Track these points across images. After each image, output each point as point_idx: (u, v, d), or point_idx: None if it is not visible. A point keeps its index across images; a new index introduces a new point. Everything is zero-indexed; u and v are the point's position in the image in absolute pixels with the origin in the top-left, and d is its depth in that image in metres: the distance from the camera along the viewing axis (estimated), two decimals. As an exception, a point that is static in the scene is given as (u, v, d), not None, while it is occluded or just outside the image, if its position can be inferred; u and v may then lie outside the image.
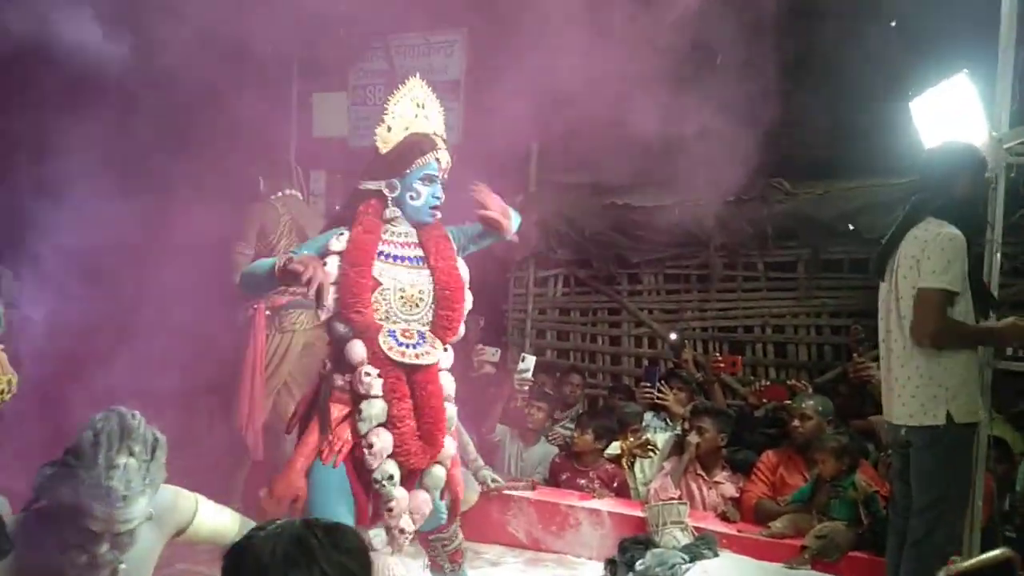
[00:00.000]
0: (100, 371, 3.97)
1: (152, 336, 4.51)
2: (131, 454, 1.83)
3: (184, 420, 4.98)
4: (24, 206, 4.97)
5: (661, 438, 4.26)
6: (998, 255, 3.20)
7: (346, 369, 2.63)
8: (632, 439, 4.19)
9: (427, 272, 2.72)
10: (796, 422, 3.94)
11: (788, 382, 4.65)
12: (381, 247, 2.70)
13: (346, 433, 2.61)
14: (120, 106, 4.92)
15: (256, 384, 4.17)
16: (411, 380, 2.65)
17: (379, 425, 2.59)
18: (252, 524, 2.37)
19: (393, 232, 2.74)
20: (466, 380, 5.00)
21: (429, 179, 2.72)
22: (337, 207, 3.17)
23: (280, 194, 4.42)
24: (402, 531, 2.65)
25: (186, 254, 4.46)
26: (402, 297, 2.67)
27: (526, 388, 4.51)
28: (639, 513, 3.92)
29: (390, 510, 2.61)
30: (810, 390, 4.29)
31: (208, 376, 4.45)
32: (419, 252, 2.75)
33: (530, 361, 4.52)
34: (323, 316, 2.65)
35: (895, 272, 3.03)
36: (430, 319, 2.71)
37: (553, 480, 4.48)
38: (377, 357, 2.62)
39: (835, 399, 4.44)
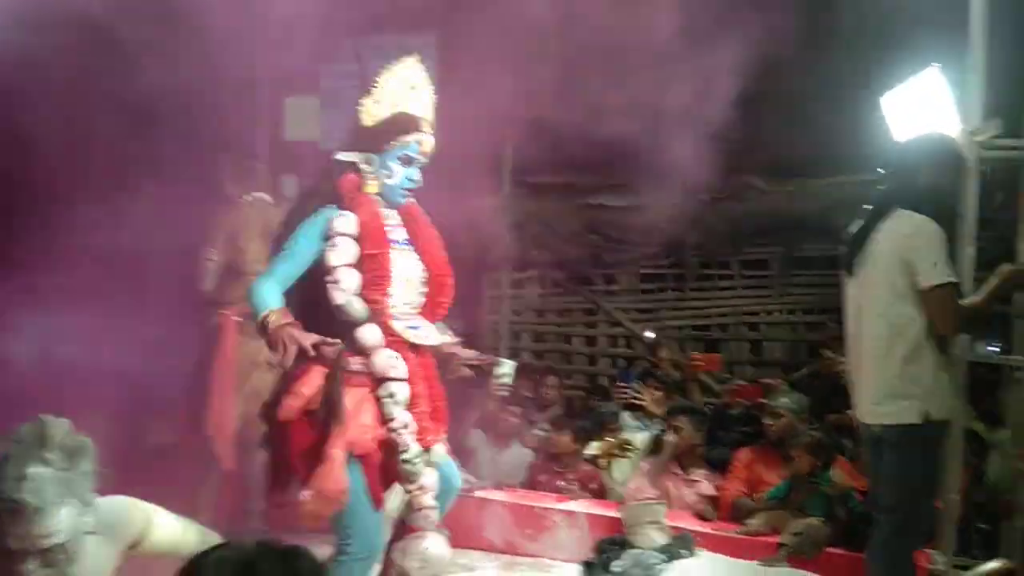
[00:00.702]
0: (61, 380, 3.89)
1: (117, 343, 4.42)
2: (44, 463, 1.72)
3: (151, 430, 4.91)
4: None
5: (638, 438, 4.24)
6: (971, 249, 3.19)
7: (359, 352, 2.53)
8: (609, 439, 4.16)
9: (415, 255, 2.67)
10: (768, 420, 3.94)
11: (763, 380, 4.65)
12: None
13: (367, 418, 2.53)
14: (84, 109, 4.84)
15: (225, 392, 4.09)
16: (420, 362, 2.63)
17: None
18: (214, 536, 2.31)
19: (382, 213, 2.64)
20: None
21: (407, 160, 2.63)
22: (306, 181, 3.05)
23: (249, 197, 4.34)
24: (432, 508, 2.62)
25: (152, 259, 4.38)
26: (402, 280, 2.61)
27: (504, 394, 4.46)
28: (615, 514, 3.89)
29: (421, 488, 2.57)
30: (785, 387, 4.29)
31: (175, 384, 4.37)
32: (404, 234, 2.67)
33: (508, 366, 4.45)
34: (339, 300, 2.51)
35: (867, 267, 2.98)
36: (420, 302, 2.67)
37: (532, 482, 4.44)
38: (393, 341, 2.55)
39: (810, 395, 4.45)
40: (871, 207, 3.03)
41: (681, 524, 3.75)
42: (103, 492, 1.97)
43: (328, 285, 2.50)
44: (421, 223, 2.72)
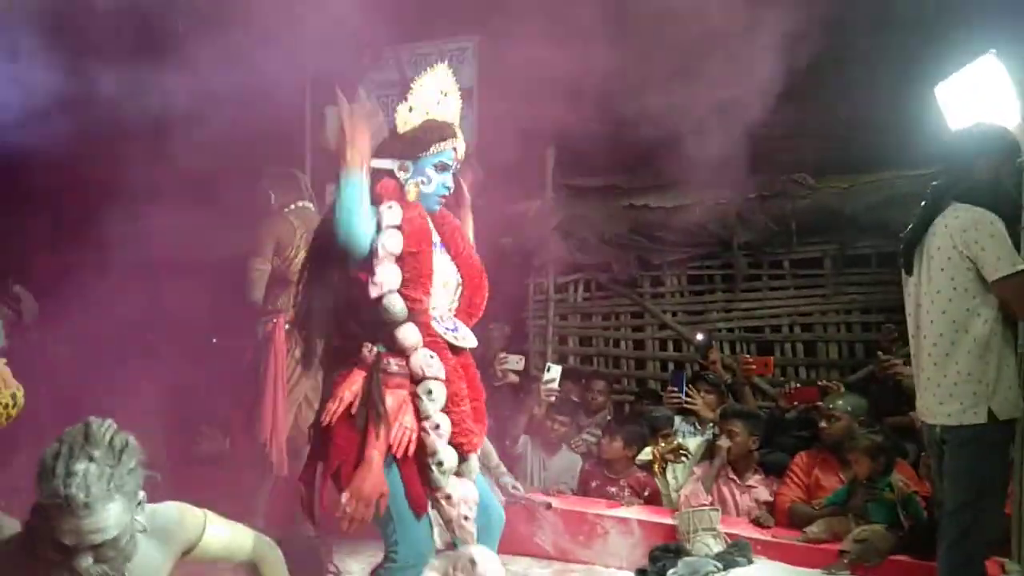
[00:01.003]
0: (117, 390, 3.95)
1: (170, 354, 4.49)
2: (91, 460, 1.75)
3: (203, 437, 4.97)
4: (38, 224, 4.98)
5: (692, 443, 4.15)
6: (1033, 239, 3.06)
7: (398, 353, 2.50)
8: (664, 444, 4.08)
9: (448, 258, 2.65)
10: (824, 423, 3.81)
11: (819, 382, 4.52)
12: None
13: (408, 419, 2.49)
14: (128, 124, 4.92)
15: (279, 398, 4.12)
16: (459, 362, 2.60)
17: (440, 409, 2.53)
18: (268, 540, 2.31)
19: None
20: (488, 390, 4.94)
21: (443, 167, 2.63)
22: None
23: (293, 206, 4.37)
24: (467, 518, 2.53)
25: (201, 271, 4.43)
26: (441, 283, 2.59)
27: (552, 399, 4.41)
28: (669, 521, 3.82)
29: (448, 497, 2.50)
30: (842, 390, 4.16)
31: (228, 392, 4.41)
32: (439, 238, 2.65)
33: (556, 371, 4.40)
34: (375, 294, 2.47)
35: (924, 265, 2.89)
36: (455, 305, 2.66)
37: (583, 488, 4.38)
38: (433, 341, 2.52)
39: (868, 398, 4.31)
40: (924, 205, 2.94)
41: (737, 531, 3.66)
42: (156, 499, 1.98)
43: (368, 280, 2.47)
44: (453, 227, 2.71)
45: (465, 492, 2.54)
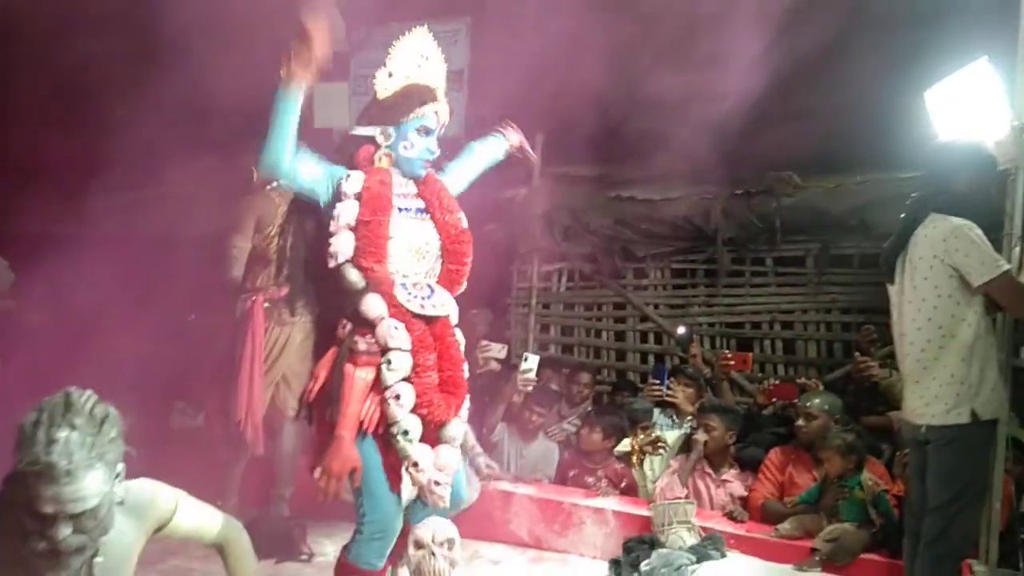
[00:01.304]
0: (92, 362, 3.89)
1: (146, 330, 4.43)
2: (72, 427, 1.74)
3: (180, 414, 4.92)
4: (19, 195, 4.90)
5: (670, 436, 4.16)
6: (1017, 248, 3.09)
7: (366, 329, 2.50)
8: (643, 436, 4.10)
9: (431, 224, 2.62)
10: (801, 421, 3.84)
11: (797, 380, 4.55)
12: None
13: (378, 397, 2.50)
14: (114, 101, 4.84)
15: (255, 378, 4.08)
16: (431, 331, 2.56)
17: (403, 379, 2.50)
18: (236, 524, 2.29)
19: (395, 182, 2.61)
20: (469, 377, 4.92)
21: (425, 131, 2.60)
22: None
23: (275, 184, 4.30)
24: (437, 483, 2.53)
25: (181, 247, 4.37)
26: (411, 249, 2.57)
27: (529, 388, 4.40)
28: (645, 512, 3.83)
29: (415, 465, 2.50)
30: (820, 388, 4.19)
31: (205, 370, 4.37)
32: (420, 203, 2.63)
33: (533, 361, 4.39)
34: (333, 263, 2.49)
35: (906, 274, 2.95)
36: (437, 271, 2.62)
37: (560, 478, 4.38)
38: (397, 311, 2.50)
39: (845, 397, 4.34)
40: (905, 215, 3.01)
41: (711, 525, 3.68)
42: (130, 475, 1.96)
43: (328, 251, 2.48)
44: (438, 191, 2.66)
45: (439, 459, 2.54)
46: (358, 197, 2.50)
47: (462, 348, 2.65)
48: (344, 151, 2.64)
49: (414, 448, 2.50)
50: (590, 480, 4.22)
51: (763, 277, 5.52)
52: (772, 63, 4.79)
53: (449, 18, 5.93)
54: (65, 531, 1.74)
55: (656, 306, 5.77)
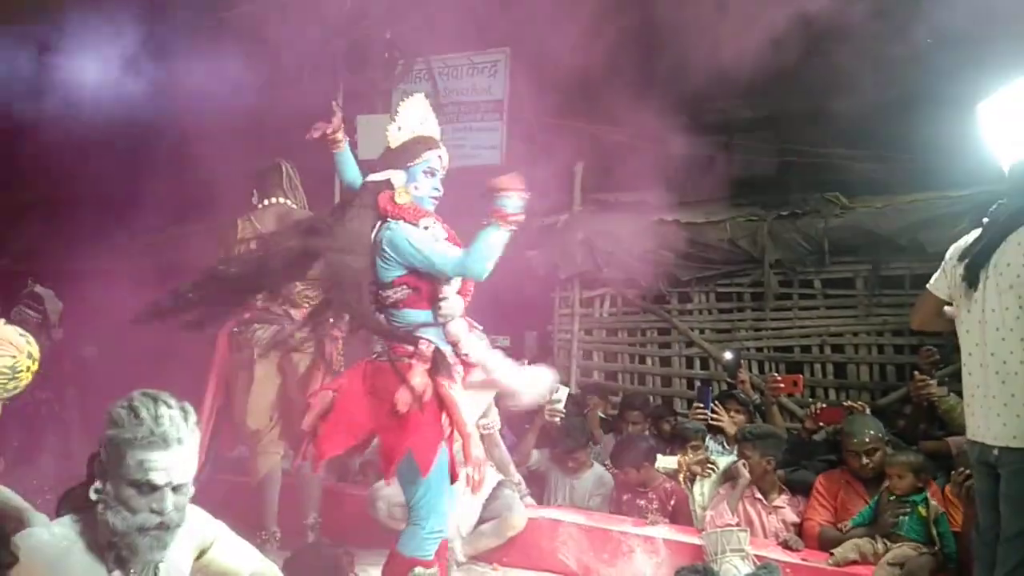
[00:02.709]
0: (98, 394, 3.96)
1: (191, 355, 4.49)
2: (168, 406, 1.88)
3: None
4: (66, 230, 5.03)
5: (721, 461, 4.07)
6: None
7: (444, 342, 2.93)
8: (691, 454, 4.02)
9: None
10: (864, 459, 3.64)
11: (845, 403, 4.42)
12: None
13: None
14: (162, 134, 4.97)
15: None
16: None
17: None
18: (270, 564, 2.28)
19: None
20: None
21: (431, 172, 3.02)
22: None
23: (267, 202, 4.25)
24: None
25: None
26: None
27: (557, 419, 4.37)
28: (696, 540, 3.74)
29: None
30: (867, 411, 4.05)
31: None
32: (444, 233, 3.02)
33: (563, 392, 4.37)
34: (448, 311, 2.96)
35: (992, 281, 2.76)
36: None
37: (615, 504, 4.28)
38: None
39: (899, 421, 4.20)
40: (991, 223, 2.85)
41: (766, 553, 3.57)
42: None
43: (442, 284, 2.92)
44: (449, 232, 3.04)
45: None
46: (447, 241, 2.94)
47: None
48: (363, 200, 2.99)
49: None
50: (641, 503, 4.14)
51: (812, 300, 5.42)
52: (817, 83, 4.76)
53: (489, 49, 6.01)
54: (171, 502, 1.85)
55: (702, 331, 5.69)
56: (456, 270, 2.86)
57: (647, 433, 4.72)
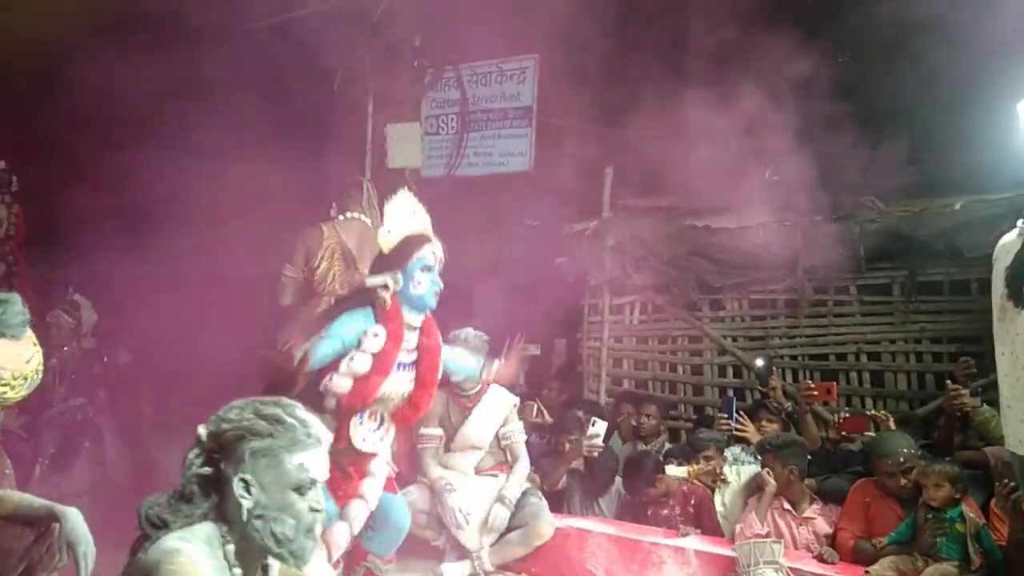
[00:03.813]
0: (173, 398, 4.00)
1: (222, 364, 4.53)
2: (296, 407, 1.91)
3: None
4: (105, 237, 5.10)
5: (744, 472, 3.99)
6: None
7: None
8: (702, 465, 3.95)
9: (412, 375, 3.17)
10: (902, 480, 3.50)
11: (868, 412, 4.30)
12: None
13: None
14: (197, 142, 5.03)
15: None
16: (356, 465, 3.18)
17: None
18: None
19: (405, 335, 3.12)
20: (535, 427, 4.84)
21: (427, 268, 3.12)
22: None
23: (343, 217, 4.36)
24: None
25: (256, 281, 4.48)
26: (384, 397, 3.13)
27: (595, 454, 4.32)
28: (728, 552, 3.66)
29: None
30: (891, 421, 3.93)
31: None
32: (413, 357, 3.17)
33: (601, 427, 4.31)
34: (321, 387, 3.01)
35: None
36: (395, 409, 3.21)
37: (642, 518, 4.22)
38: (341, 439, 3.04)
39: (934, 431, 4.07)
40: None
41: (800, 566, 3.49)
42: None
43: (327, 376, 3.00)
44: (431, 337, 3.20)
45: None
46: (373, 356, 3.02)
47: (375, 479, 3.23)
48: (360, 301, 3.12)
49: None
50: (665, 512, 4.07)
51: (847, 306, 5.30)
52: (852, 83, 4.68)
53: (517, 56, 6.00)
54: (319, 496, 1.89)
55: (734, 338, 5.60)
56: None
57: (660, 428, 4.80)
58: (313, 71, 5.74)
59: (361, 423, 3.13)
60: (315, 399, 2.94)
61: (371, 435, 3.17)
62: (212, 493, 1.86)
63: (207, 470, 1.86)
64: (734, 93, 4.77)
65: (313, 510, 1.86)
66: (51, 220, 6.00)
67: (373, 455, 3.20)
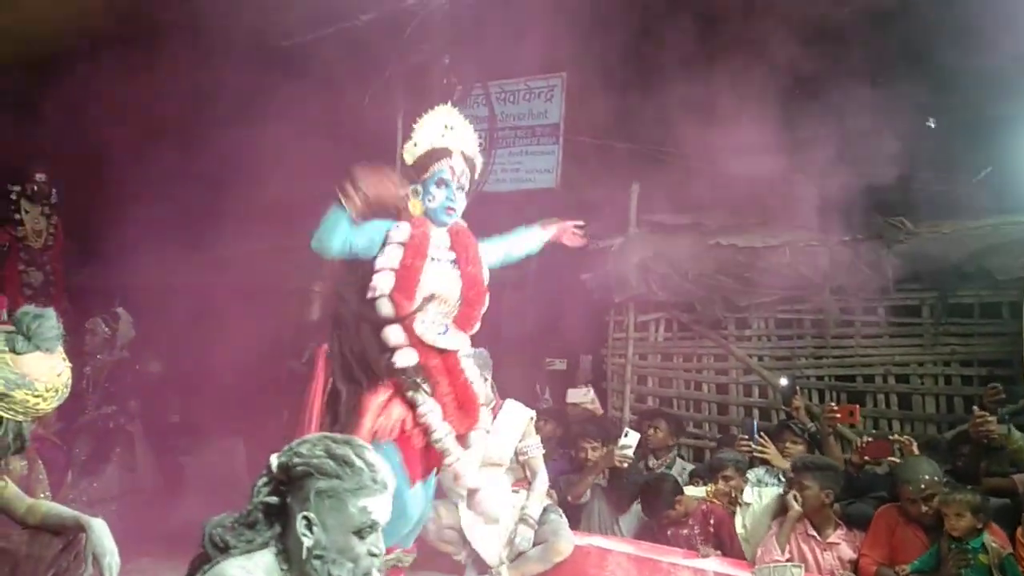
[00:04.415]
0: (203, 410, 4.08)
1: (255, 376, 4.62)
2: (366, 449, 1.93)
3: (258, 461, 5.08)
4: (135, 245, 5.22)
5: (766, 494, 3.96)
6: None
7: (384, 352, 2.99)
8: (720, 485, 3.93)
9: (456, 273, 3.14)
10: (924, 507, 3.44)
11: (891, 437, 4.24)
12: None
13: (396, 411, 2.99)
14: (229, 155, 5.14)
15: (313, 426, 4.12)
16: (443, 361, 3.10)
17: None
18: None
19: (433, 234, 3.12)
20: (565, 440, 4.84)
21: (443, 183, 3.10)
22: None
23: None
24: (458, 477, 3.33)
25: (284, 293, 4.56)
26: (439, 293, 3.08)
27: (626, 465, 4.31)
28: (748, 575, 3.64)
29: (458, 459, 3.11)
30: (915, 446, 3.87)
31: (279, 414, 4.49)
32: (452, 255, 3.14)
33: (633, 438, 4.28)
34: (370, 295, 2.97)
35: None
36: (455, 313, 3.15)
37: (661, 531, 4.21)
38: (415, 340, 3.00)
39: (959, 457, 4.00)
40: None
41: (820, 591, 3.46)
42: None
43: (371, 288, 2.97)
44: (467, 245, 3.18)
45: (462, 454, 3.12)
46: (402, 244, 3.01)
47: (471, 377, 3.19)
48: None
49: (453, 447, 3.06)
50: (684, 532, 4.05)
51: (875, 328, 5.24)
52: (881, 102, 4.64)
53: (545, 73, 6.05)
54: (380, 538, 1.91)
55: (760, 358, 5.56)
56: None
57: (670, 442, 4.81)
58: (344, 87, 5.84)
59: (423, 323, 3.05)
60: (374, 321, 2.97)
61: (441, 337, 3.10)
62: (276, 523, 1.88)
63: (274, 499, 1.88)
64: (762, 111, 4.76)
65: (371, 555, 1.87)
66: (89, 230, 6.16)
67: (454, 351, 3.14)
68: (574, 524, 4.20)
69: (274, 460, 1.90)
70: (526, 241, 3.53)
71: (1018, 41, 4.15)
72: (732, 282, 5.53)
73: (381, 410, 2.98)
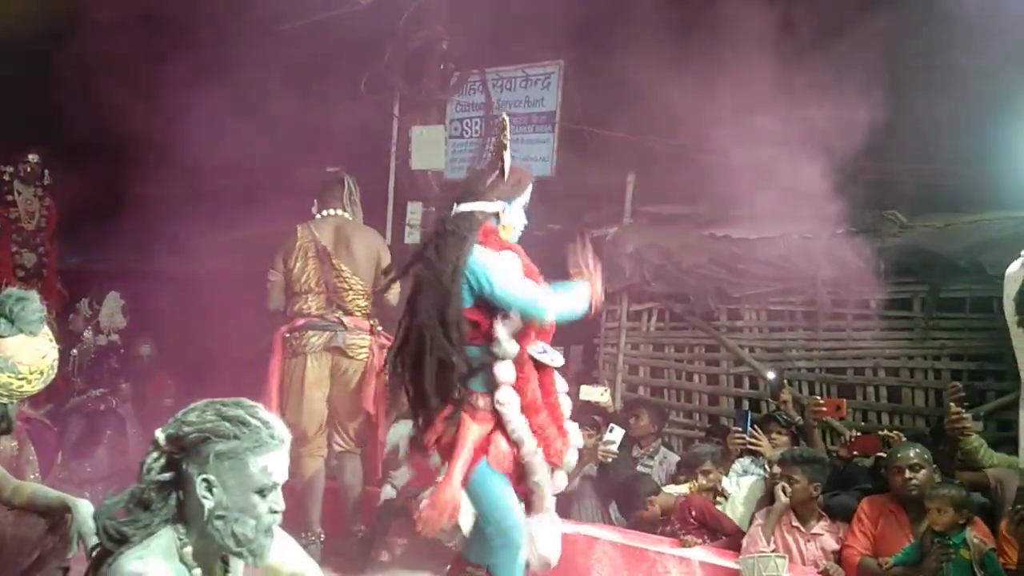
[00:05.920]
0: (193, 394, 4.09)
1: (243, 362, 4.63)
2: (259, 408, 1.92)
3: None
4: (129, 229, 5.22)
5: (750, 482, 3.99)
6: None
7: (491, 389, 2.80)
8: (702, 481, 3.95)
9: None
10: (908, 473, 3.55)
11: (881, 431, 4.27)
12: None
13: (502, 443, 2.81)
14: (223, 138, 5.13)
15: (273, 406, 4.15)
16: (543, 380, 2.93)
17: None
18: (315, 566, 2.30)
19: None
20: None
21: (524, 208, 2.96)
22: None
23: (326, 213, 4.40)
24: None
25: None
26: None
27: (609, 460, 4.33)
28: (733, 564, 3.67)
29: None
30: (903, 439, 3.91)
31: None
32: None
33: (618, 434, 4.30)
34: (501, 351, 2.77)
35: None
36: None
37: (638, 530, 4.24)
38: (526, 363, 2.83)
39: (932, 452, 4.03)
40: None
41: (803, 582, 3.48)
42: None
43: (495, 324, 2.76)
44: (529, 266, 2.96)
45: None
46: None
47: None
48: (469, 228, 2.83)
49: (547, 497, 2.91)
50: (668, 529, 4.08)
51: (866, 321, 5.25)
52: (876, 94, 4.63)
53: (542, 61, 6.04)
54: (281, 498, 1.91)
55: (751, 349, 5.57)
56: (528, 308, 2.74)
57: (653, 430, 4.78)
58: (340, 72, 5.82)
59: (532, 347, 2.88)
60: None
61: (545, 354, 2.93)
62: (171, 495, 1.87)
63: (167, 476, 1.87)
64: (759, 103, 4.76)
65: (273, 511, 1.88)
66: (82, 212, 6.15)
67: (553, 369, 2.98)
68: (564, 511, 4.22)
69: (160, 434, 1.88)
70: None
71: (1014, 34, 4.14)
72: (725, 273, 5.54)
73: (480, 442, 2.82)
